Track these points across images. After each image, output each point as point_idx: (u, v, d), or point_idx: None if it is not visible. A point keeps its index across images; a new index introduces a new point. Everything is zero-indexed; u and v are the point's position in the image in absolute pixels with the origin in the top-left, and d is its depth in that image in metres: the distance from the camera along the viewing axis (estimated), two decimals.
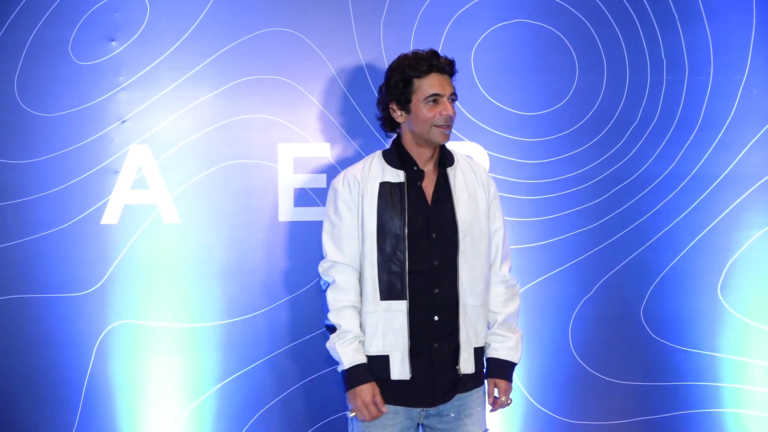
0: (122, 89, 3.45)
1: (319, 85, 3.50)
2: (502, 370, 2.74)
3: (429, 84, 2.63)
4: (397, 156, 2.71)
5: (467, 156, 2.87)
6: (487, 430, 2.75)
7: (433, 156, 2.72)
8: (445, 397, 2.65)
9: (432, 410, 2.66)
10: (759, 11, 3.60)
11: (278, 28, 3.49)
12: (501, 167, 3.52)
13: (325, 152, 3.50)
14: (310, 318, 3.47)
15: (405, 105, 2.66)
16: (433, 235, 2.64)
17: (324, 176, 3.49)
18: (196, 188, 3.47)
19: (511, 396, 2.75)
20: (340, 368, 2.64)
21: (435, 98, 2.63)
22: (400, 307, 2.62)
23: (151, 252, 3.44)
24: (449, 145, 2.80)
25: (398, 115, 2.69)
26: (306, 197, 3.49)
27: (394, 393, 2.63)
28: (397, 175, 2.69)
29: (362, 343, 2.64)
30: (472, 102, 3.50)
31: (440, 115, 2.63)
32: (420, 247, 2.64)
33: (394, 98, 2.68)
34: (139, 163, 3.45)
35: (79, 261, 3.42)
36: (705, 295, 3.59)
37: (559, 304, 3.56)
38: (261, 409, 3.48)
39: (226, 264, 3.46)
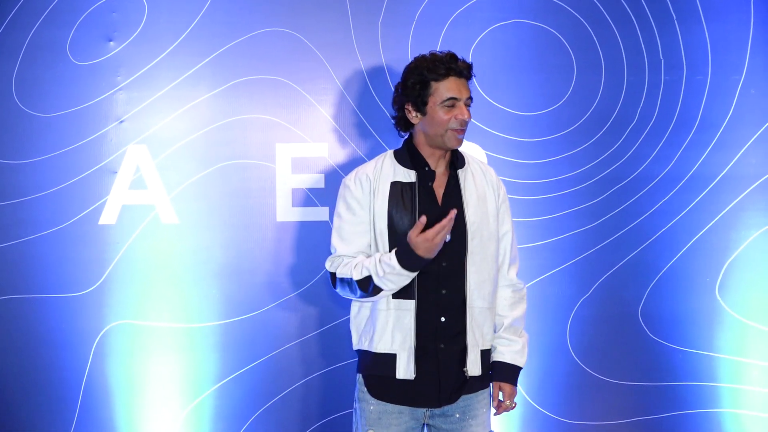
0: (120, 89, 3.46)
1: (317, 86, 3.50)
2: (508, 373, 2.73)
3: (446, 87, 2.62)
4: (408, 156, 2.70)
5: (479, 160, 2.86)
6: (491, 431, 2.75)
7: (444, 157, 2.72)
8: (451, 398, 2.65)
9: (437, 410, 2.66)
10: (757, 11, 3.59)
11: (276, 28, 3.49)
12: (499, 167, 3.51)
13: (323, 152, 3.50)
14: (309, 318, 3.48)
15: (421, 107, 2.65)
16: None
17: (322, 176, 3.49)
18: (194, 188, 3.47)
19: (514, 399, 2.75)
20: (388, 269, 2.54)
21: (452, 102, 2.62)
22: (409, 306, 2.62)
23: (149, 252, 3.45)
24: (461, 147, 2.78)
25: (413, 116, 2.67)
26: (304, 197, 3.49)
27: (400, 393, 2.63)
28: (409, 175, 2.68)
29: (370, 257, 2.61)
30: None
31: (456, 118, 2.62)
32: None
33: (410, 99, 2.66)
34: (137, 163, 3.45)
35: (77, 261, 3.43)
36: (703, 295, 3.59)
37: (557, 304, 3.56)
38: (259, 409, 3.48)
39: (224, 264, 3.46)
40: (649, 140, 3.58)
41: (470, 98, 2.66)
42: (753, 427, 3.60)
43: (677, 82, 3.60)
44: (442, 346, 2.63)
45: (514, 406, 2.75)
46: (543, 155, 3.56)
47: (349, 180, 2.72)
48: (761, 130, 3.61)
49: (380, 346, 2.64)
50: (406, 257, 2.52)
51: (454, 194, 2.69)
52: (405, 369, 2.62)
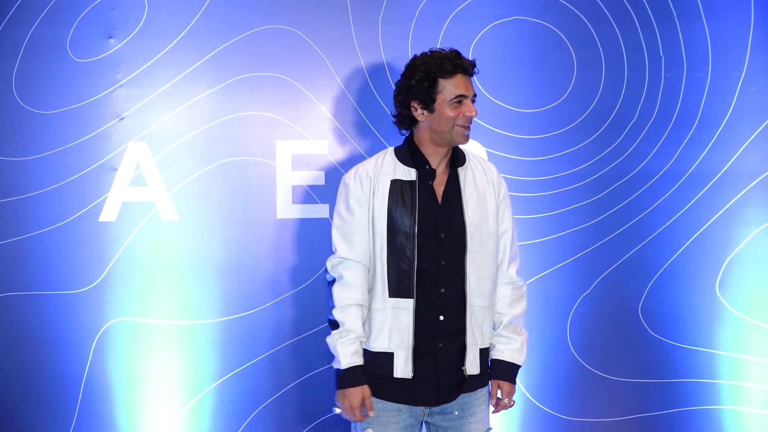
0: (120, 86, 3.46)
1: (317, 83, 3.50)
2: (506, 371, 2.73)
3: (454, 85, 2.62)
4: (409, 154, 2.70)
5: (480, 157, 2.86)
6: (490, 428, 2.74)
7: (446, 155, 2.71)
8: (449, 397, 2.65)
9: (435, 408, 2.66)
10: (757, 8, 3.59)
11: (276, 25, 3.49)
12: (499, 164, 3.51)
13: (323, 149, 3.50)
14: (309, 315, 3.48)
15: (429, 104, 2.64)
16: (442, 235, 2.64)
17: (322, 173, 3.49)
18: (194, 185, 3.47)
19: (513, 397, 2.75)
20: (335, 365, 2.64)
21: (460, 99, 2.62)
22: (407, 305, 2.62)
23: (149, 249, 3.45)
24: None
25: (420, 113, 2.66)
26: (304, 194, 3.49)
27: (398, 391, 2.63)
28: (409, 173, 2.68)
29: (362, 343, 2.64)
30: None
31: (464, 115, 2.63)
32: (428, 247, 2.62)
33: (417, 97, 2.64)
34: (137, 160, 3.45)
35: (77, 258, 3.43)
36: (703, 292, 3.59)
37: (558, 301, 3.56)
38: (259, 407, 3.48)
39: (224, 261, 3.46)
40: (649, 137, 3.58)
41: (475, 95, 2.67)
42: (753, 424, 3.60)
43: (677, 80, 3.60)
44: (440, 344, 2.63)
45: (513, 404, 2.75)
46: (543, 152, 3.56)
47: (349, 178, 2.71)
48: (761, 127, 3.61)
49: (378, 345, 2.64)
50: (342, 379, 2.63)
51: (453, 193, 2.69)
52: (403, 368, 2.61)
